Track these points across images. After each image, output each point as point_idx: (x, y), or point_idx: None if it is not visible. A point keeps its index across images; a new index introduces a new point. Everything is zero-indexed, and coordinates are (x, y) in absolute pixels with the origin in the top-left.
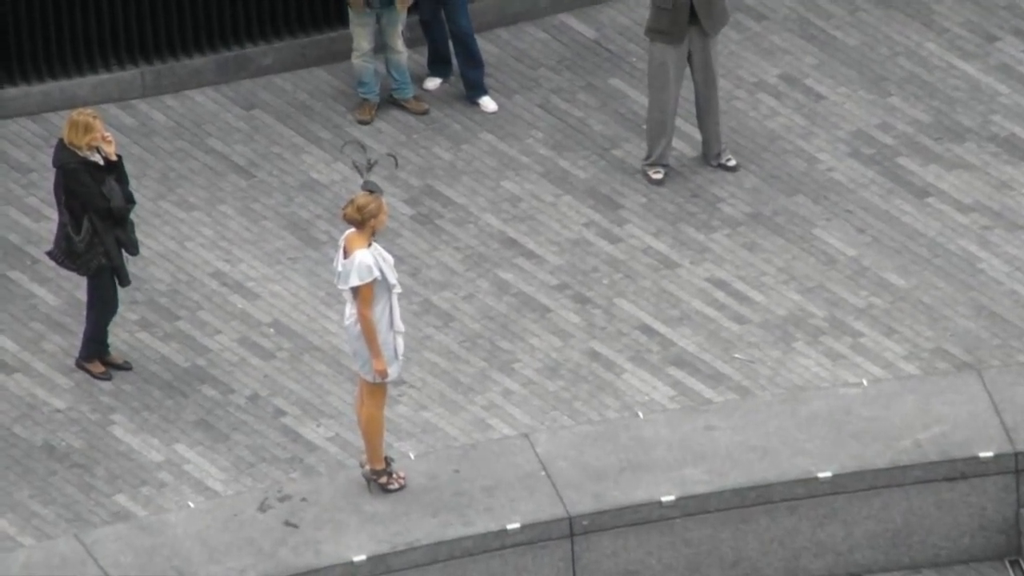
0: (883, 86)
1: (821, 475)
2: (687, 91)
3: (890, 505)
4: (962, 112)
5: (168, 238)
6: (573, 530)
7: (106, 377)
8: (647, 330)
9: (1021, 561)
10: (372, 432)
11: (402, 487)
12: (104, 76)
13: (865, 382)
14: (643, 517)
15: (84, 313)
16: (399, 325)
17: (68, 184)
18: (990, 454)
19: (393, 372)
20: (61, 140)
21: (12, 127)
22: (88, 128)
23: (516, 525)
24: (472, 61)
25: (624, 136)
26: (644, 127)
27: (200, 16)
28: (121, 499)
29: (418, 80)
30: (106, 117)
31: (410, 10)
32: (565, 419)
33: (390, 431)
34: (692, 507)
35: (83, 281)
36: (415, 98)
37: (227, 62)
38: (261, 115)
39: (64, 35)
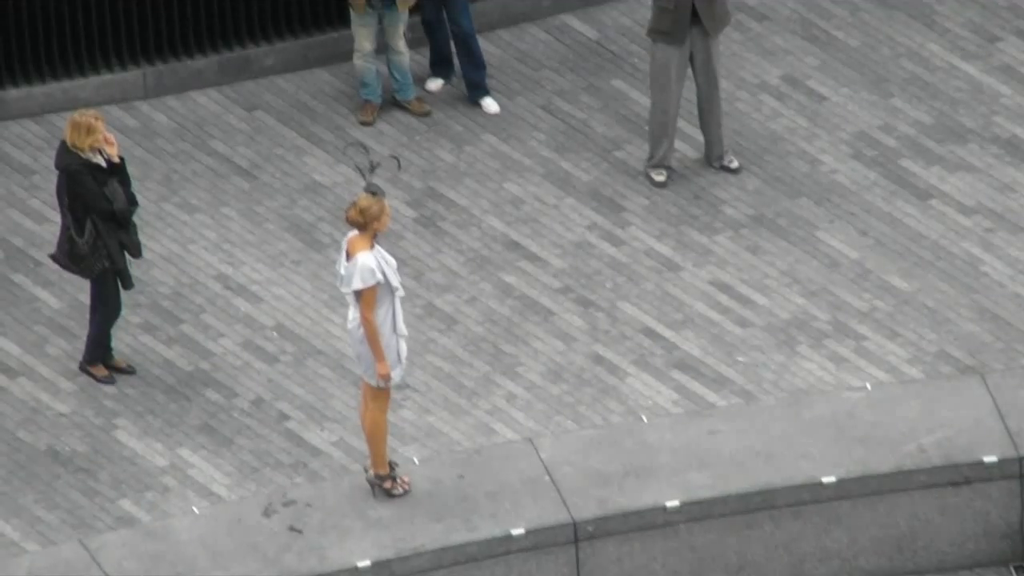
0: (885, 87)
1: (825, 480)
2: (689, 92)
3: (894, 510)
4: (964, 113)
5: (171, 241)
6: (578, 535)
7: (109, 381)
8: (650, 333)
9: None
10: (376, 436)
11: (406, 492)
12: (106, 77)
13: (869, 386)
14: (648, 522)
15: (87, 316)
16: (402, 328)
17: (71, 186)
18: (994, 459)
19: (396, 376)
20: (63, 142)
21: (14, 128)
22: (90, 130)
23: (520, 530)
24: (474, 62)
25: (626, 138)
26: (646, 129)
27: (202, 17)
28: (125, 504)
29: (420, 81)
30: (108, 118)
31: (412, 11)
32: (569, 423)
33: (394, 435)
34: (696, 512)
35: (86, 284)
36: (417, 99)
37: (229, 63)
38: (263, 116)
39: (66, 36)
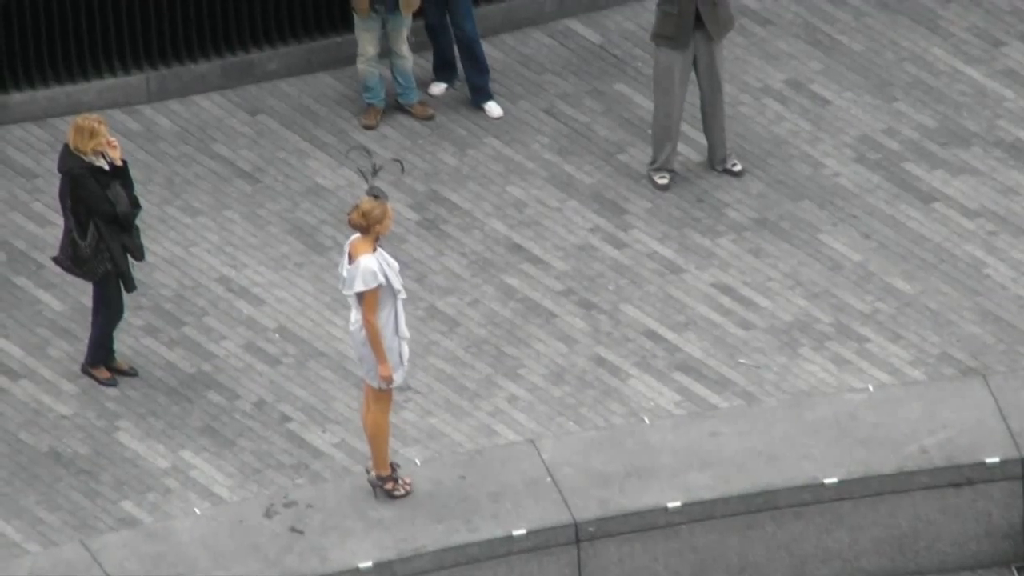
0: (889, 91)
1: (827, 481)
2: (692, 96)
3: (896, 511)
4: (968, 117)
5: (174, 243)
6: (579, 536)
7: (112, 383)
8: (653, 336)
9: None
10: (378, 438)
11: (408, 493)
12: (110, 81)
13: (871, 388)
14: (649, 523)
15: (90, 319)
16: (404, 331)
17: (74, 190)
18: (996, 460)
19: (398, 378)
20: (66, 145)
21: (17, 132)
22: (93, 133)
23: (522, 531)
24: (477, 66)
25: (629, 141)
26: (649, 132)
27: (205, 21)
28: (127, 505)
29: (423, 85)
30: (112, 122)
31: (415, 15)
32: (571, 425)
33: (396, 437)
34: (698, 513)
35: (89, 287)
36: (420, 103)
37: (233, 67)
38: (266, 120)
39: (70, 40)
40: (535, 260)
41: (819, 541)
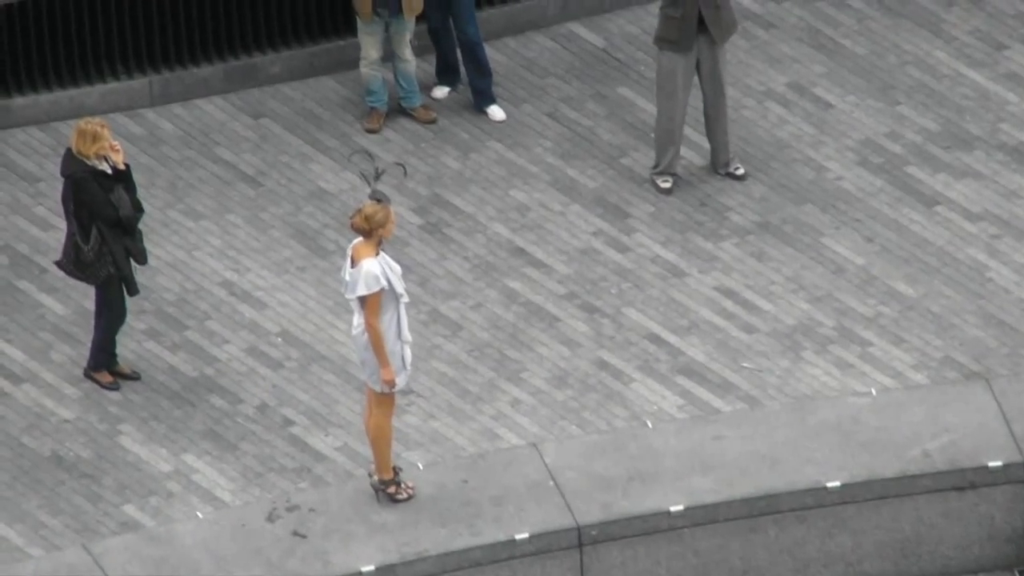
0: (891, 95)
1: (830, 485)
2: (695, 100)
3: (899, 515)
4: (971, 121)
5: (176, 247)
6: (582, 540)
7: (114, 387)
8: (655, 339)
9: None
10: (380, 442)
11: (410, 497)
12: (112, 85)
13: (874, 391)
14: (652, 527)
15: (92, 323)
16: (407, 335)
17: (76, 194)
18: (999, 463)
19: (401, 382)
20: (69, 149)
21: (20, 136)
22: (96, 137)
23: (525, 535)
24: (480, 70)
25: (632, 145)
26: (652, 136)
27: (208, 25)
28: (129, 509)
29: (426, 89)
30: (114, 126)
31: (418, 19)
32: (573, 429)
33: (398, 441)
34: (701, 517)
35: (91, 291)
36: (423, 107)
37: (235, 71)
38: (269, 124)
39: (72, 44)
40: (538, 264)
41: (822, 545)
